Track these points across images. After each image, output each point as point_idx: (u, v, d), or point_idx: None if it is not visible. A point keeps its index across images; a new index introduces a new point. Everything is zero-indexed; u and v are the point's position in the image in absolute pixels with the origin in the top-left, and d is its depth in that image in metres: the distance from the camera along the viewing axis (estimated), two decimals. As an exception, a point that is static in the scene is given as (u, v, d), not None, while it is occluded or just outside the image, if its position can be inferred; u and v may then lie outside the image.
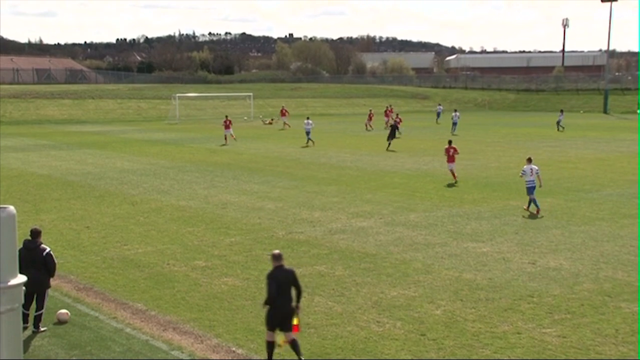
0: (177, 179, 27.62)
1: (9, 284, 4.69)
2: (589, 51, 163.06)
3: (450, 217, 19.58)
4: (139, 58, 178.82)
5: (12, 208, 4.80)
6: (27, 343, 10.51)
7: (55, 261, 11.15)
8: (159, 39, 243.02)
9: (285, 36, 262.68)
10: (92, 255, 15.70)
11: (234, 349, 10.24)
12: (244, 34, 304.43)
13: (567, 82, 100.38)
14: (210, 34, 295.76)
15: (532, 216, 19.70)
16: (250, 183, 26.26)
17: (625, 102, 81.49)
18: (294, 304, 9.68)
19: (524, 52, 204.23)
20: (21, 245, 10.87)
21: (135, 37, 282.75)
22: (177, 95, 72.20)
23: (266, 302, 9.63)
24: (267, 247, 16.12)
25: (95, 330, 11.04)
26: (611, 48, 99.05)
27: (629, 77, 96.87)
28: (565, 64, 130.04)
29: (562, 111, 56.63)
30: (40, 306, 11.04)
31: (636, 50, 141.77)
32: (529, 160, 20.97)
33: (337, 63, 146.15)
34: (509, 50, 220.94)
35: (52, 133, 53.83)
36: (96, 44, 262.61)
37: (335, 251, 15.84)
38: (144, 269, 14.55)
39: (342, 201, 22.23)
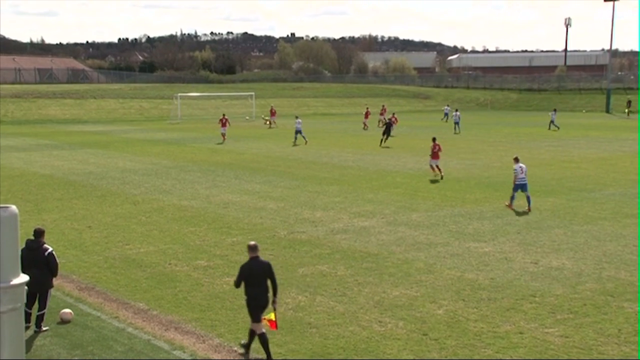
0: (179, 178, 27.63)
1: (11, 283, 4.69)
2: (591, 51, 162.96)
3: (452, 217, 19.57)
4: (140, 58, 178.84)
5: (14, 207, 4.79)
6: (29, 343, 10.52)
7: (58, 261, 11.14)
8: (160, 39, 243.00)
9: (287, 36, 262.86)
10: (94, 255, 15.71)
11: (235, 348, 10.23)
12: (245, 33, 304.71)
13: (570, 81, 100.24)
14: (212, 33, 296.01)
15: (535, 216, 19.67)
16: (252, 183, 26.26)
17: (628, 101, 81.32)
18: (270, 296, 9.85)
19: (526, 51, 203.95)
20: (24, 245, 10.89)
21: (137, 37, 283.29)
22: (179, 95, 72.23)
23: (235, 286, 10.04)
24: (269, 247, 16.12)
25: (97, 330, 11.05)
26: (614, 47, 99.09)
27: (632, 77, 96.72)
28: (568, 63, 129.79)
29: (555, 110, 56.56)
30: (42, 306, 11.04)
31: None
32: (517, 160, 21.46)
33: (339, 63, 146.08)
34: (511, 50, 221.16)
35: (54, 133, 53.88)
36: (98, 43, 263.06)
37: (337, 251, 15.83)
38: (146, 268, 14.55)
39: (344, 201, 22.23)
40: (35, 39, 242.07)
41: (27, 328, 10.91)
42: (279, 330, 10.86)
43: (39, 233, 11.22)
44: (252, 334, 9.92)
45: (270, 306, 9.85)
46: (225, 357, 10.00)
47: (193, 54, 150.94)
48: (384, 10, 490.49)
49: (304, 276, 13.84)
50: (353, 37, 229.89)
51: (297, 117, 45.77)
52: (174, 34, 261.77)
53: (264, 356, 9.85)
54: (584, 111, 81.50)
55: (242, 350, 10.14)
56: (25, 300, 5.09)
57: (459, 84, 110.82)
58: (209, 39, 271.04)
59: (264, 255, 15.30)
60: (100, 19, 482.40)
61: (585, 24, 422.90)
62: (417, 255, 15.43)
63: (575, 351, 10.03)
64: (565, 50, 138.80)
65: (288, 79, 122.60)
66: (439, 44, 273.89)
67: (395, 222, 18.87)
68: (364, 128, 55.43)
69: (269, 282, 9.85)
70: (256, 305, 9.78)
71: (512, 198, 20.79)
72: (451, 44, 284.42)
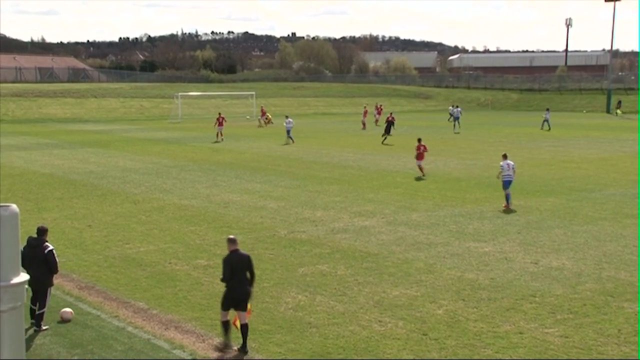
0: (179, 177, 27.64)
1: (11, 282, 4.69)
2: (592, 51, 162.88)
3: (452, 217, 19.57)
4: (141, 57, 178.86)
5: (14, 206, 4.79)
6: (28, 342, 10.53)
7: (57, 259, 11.12)
8: (161, 38, 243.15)
9: (288, 35, 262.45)
10: (94, 254, 15.71)
11: (235, 348, 10.24)
12: (246, 33, 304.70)
13: (570, 81, 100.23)
14: (212, 32, 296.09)
15: (535, 216, 19.68)
16: (253, 182, 26.27)
17: (629, 102, 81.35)
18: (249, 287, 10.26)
19: (526, 51, 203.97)
20: (25, 244, 10.90)
21: (137, 36, 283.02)
22: (180, 94, 72.26)
23: (222, 280, 10.35)
24: (269, 247, 16.14)
25: (96, 329, 11.05)
26: (614, 48, 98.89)
27: (632, 77, 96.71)
28: (568, 63, 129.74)
29: (548, 110, 56.54)
30: (42, 304, 11.04)
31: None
32: (505, 157, 21.74)
33: (340, 62, 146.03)
34: (511, 50, 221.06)
35: (54, 132, 53.89)
36: (99, 42, 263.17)
37: (337, 250, 15.84)
38: (146, 267, 14.56)
39: (344, 200, 22.23)
40: (36, 38, 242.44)
41: (32, 324, 10.96)
42: (278, 329, 10.89)
43: (42, 231, 11.25)
44: (223, 325, 10.25)
45: (248, 299, 10.23)
46: (224, 357, 10.00)
47: (194, 54, 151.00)
48: (384, 10, 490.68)
49: (304, 276, 13.85)
50: (354, 37, 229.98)
51: (287, 117, 46.04)
52: (175, 33, 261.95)
53: (264, 356, 9.87)
54: (584, 111, 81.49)
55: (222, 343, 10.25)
56: (25, 300, 5.09)
57: (460, 84, 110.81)
58: (209, 38, 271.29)
59: (264, 255, 15.34)
60: (101, 18, 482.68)
61: (586, 24, 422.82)
62: (417, 255, 15.43)
63: (575, 351, 10.03)
64: (566, 50, 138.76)
65: (289, 79, 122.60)
66: (440, 44, 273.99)
67: (396, 222, 18.88)
68: (362, 128, 55.53)
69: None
70: (231, 297, 10.16)
71: (507, 196, 20.87)
72: (452, 44, 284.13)
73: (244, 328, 10.09)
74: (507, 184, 21.01)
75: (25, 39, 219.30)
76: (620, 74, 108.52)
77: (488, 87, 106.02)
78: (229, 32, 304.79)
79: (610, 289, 12.88)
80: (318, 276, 13.79)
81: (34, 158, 34.92)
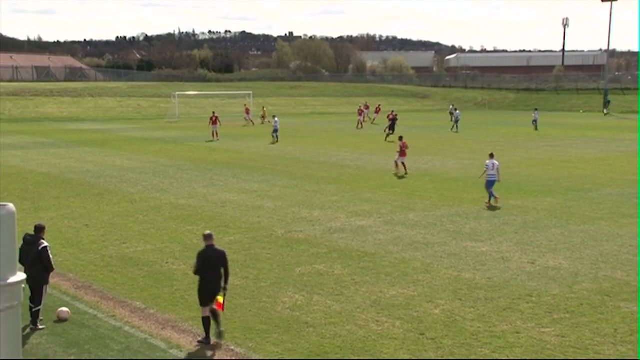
0: (176, 177, 27.61)
1: (8, 281, 4.68)
2: (589, 51, 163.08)
3: (449, 217, 19.58)
4: (138, 56, 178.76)
5: (11, 206, 4.78)
6: (25, 341, 10.49)
7: (50, 256, 11.04)
8: (159, 37, 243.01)
9: (285, 35, 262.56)
10: (91, 254, 15.69)
11: (232, 347, 10.23)
12: (244, 32, 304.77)
13: (567, 81, 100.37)
14: (210, 32, 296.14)
15: (532, 216, 19.70)
16: (250, 182, 26.26)
17: (626, 102, 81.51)
18: (222, 283, 10.44)
19: (524, 51, 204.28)
20: (22, 241, 10.88)
21: (135, 35, 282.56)
22: (177, 93, 72.18)
23: (194, 273, 10.59)
24: (267, 246, 16.13)
25: (93, 328, 11.04)
26: (611, 48, 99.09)
27: (629, 77, 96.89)
28: (566, 63, 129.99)
29: (536, 110, 56.57)
30: (37, 302, 11.02)
31: (636, 50, 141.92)
32: (492, 156, 21.92)
33: (337, 62, 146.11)
34: (509, 50, 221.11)
35: (51, 131, 53.80)
36: (96, 41, 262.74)
37: (334, 250, 15.84)
38: (143, 267, 14.55)
39: (341, 200, 22.23)
40: (33, 37, 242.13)
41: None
42: (275, 329, 10.89)
43: (39, 229, 11.26)
44: (204, 321, 10.37)
45: (220, 292, 10.39)
46: (221, 357, 10.00)
47: (191, 53, 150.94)
48: (382, 9, 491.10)
49: (301, 275, 13.85)
50: (351, 37, 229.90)
51: (274, 117, 46.81)
52: (172, 32, 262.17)
53: (261, 356, 9.87)
54: (581, 111, 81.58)
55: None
56: (22, 299, 5.09)
57: (457, 84, 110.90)
58: (207, 37, 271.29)
59: (262, 255, 15.34)
60: (99, 17, 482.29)
61: (583, 24, 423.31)
62: (414, 254, 15.44)
63: (572, 351, 10.05)
64: (563, 50, 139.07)
65: (286, 78, 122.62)
66: (437, 44, 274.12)
67: (393, 222, 18.88)
68: (358, 127, 55.65)
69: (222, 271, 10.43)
70: (207, 292, 10.33)
71: (491, 195, 21.15)
72: (449, 44, 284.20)
73: (215, 313, 10.34)
74: (490, 184, 21.21)
75: (22, 38, 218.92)
76: (617, 74, 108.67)
77: (485, 87, 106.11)
78: (226, 32, 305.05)
79: (607, 289, 12.90)
80: (315, 276, 13.79)
81: (31, 157, 34.86)
